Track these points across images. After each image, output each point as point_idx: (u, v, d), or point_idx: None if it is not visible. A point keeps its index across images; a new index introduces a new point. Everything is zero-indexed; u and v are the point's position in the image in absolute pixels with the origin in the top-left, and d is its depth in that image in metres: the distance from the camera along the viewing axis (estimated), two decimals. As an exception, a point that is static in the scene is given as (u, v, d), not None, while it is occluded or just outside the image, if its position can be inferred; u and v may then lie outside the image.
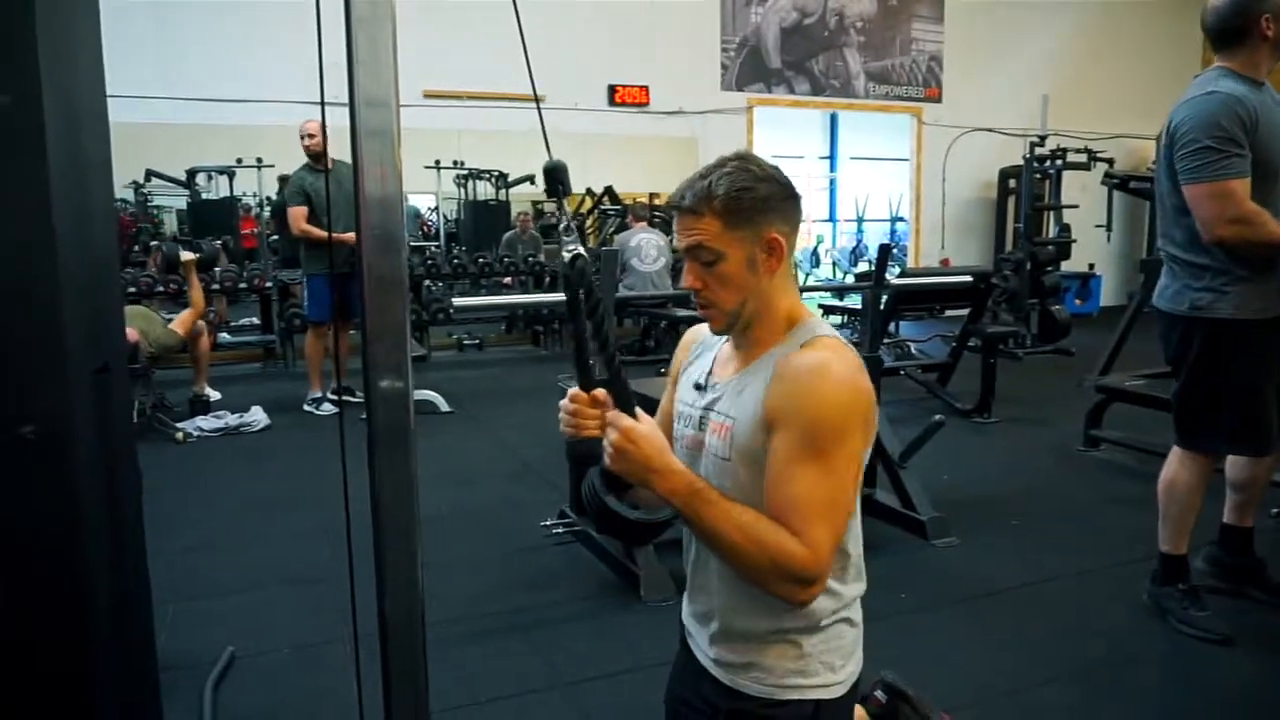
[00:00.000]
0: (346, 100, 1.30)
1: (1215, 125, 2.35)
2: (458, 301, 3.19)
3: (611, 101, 8.78)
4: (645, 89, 8.92)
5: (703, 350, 1.34)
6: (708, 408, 1.24)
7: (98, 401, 1.26)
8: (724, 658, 1.23)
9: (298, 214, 5.53)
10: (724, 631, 1.22)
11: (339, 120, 1.37)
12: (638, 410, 1.13)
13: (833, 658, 1.20)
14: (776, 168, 1.20)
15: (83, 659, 1.10)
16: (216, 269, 7.14)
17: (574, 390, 1.20)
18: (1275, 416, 2.54)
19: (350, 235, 5.17)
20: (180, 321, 5.47)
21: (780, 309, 1.21)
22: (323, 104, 1.35)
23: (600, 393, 1.19)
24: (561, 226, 1.20)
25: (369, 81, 1.27)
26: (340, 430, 1.42)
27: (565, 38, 8.01)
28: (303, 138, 5.56)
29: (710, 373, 1.28)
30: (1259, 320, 2.46)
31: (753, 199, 1.15)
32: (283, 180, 7.37)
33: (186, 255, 5.79)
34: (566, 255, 1.18)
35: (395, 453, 1.31)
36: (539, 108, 1.28)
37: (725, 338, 1.27)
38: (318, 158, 5.56)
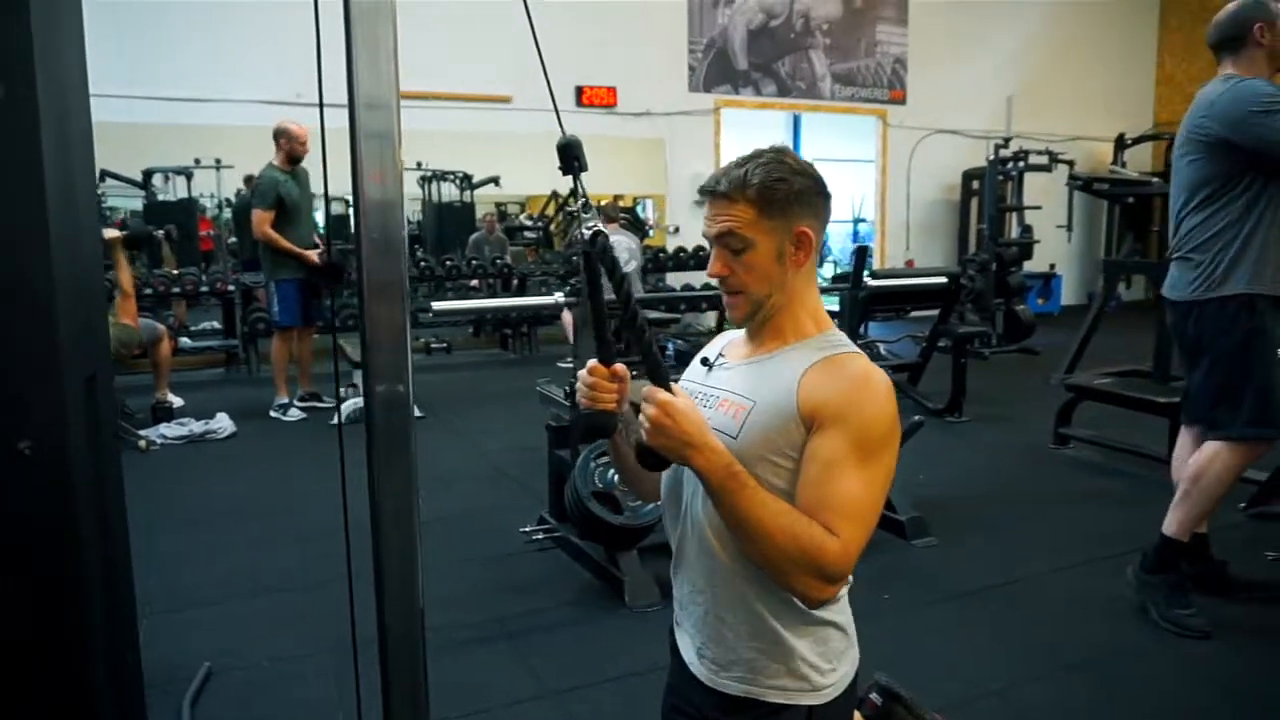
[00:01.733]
0: (321, 101, 1.28)
1: (1264, 92, 2.48)
2: (437, 305, 3.13)
3: (579, 102, 8.75)
4: (613, 90, 8.90)
5: (717, 340, 1.36)
6: (715, 385, 1.24)
7: (88, 412, 1.21)
8: (707, 652, 1.22)
9: (263, 217, 5.37)
10: (712, 614, 1.21)
11: (311, 120, 1.34)
12: (673, 386, 1.12)
13: (821, 661, 1.19)
14: (810, 164, 1.21)
15: (85, 679, 1.05)
16: (175, 270, 7.00)
17: (593, 363, 1.19)
18: None
19: (311, 253, 5.13)
20: (123, 312, 5.10)
21: (806, 305, 1.22)
22: (321, 105, 1.31)
23: (620, 367, 1.19)
24: (579, 204, 1.19)
25: (369, 82, 1.24)
26: (339, 438, 1.38)
27: (529, 39, 7.94)
28: (286, 139, 5.41)
29: (721, 354, 1.29)
30: (1270, 296, 2.56)
31: (787, 191, 1.15)
32: (249, 180, 7.21)
33: (110, 233, 5.08)
34: (586, 232, 1.18)
35: (395, 458, 1.28)
36: (551, 91, 1.27)
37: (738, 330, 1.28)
38: (295, 161, 5.47)
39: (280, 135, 5.45)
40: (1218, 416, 2.67)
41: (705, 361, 1.30)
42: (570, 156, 1.24)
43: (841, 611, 1.22)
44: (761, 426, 1.14)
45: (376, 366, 1.26)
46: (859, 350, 1.18)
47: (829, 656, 1.20)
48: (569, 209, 9.80)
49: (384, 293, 1.25)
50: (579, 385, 1.21)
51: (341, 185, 1.22)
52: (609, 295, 1.23)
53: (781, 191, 1.15)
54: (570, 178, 1.26)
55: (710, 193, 1.18)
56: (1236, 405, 2.61)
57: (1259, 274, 2.56)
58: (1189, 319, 2.70)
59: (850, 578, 1.22)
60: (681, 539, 1.25)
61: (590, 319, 1.25)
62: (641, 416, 1.09)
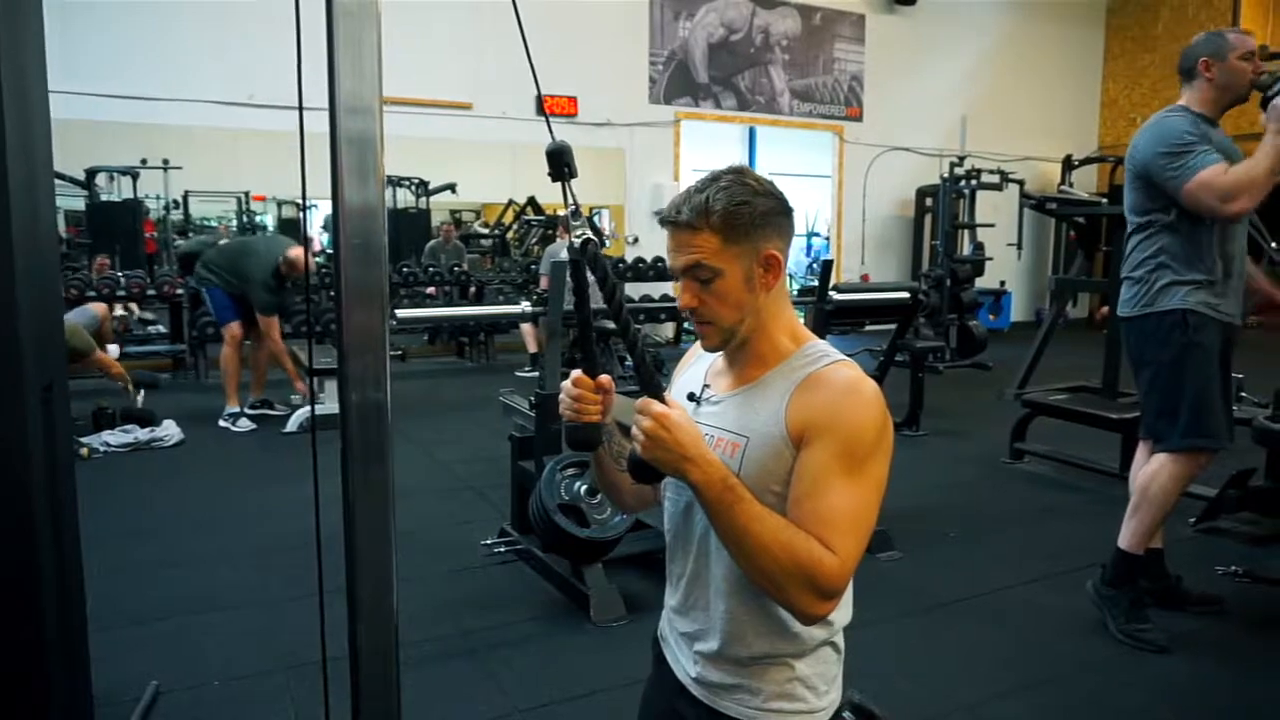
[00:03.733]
0: (301, 105, 1.23)
1: (1174, 134, 2.58)
2: (401, 313, 3.04)
3: (539, 111, 8.70)
4: (574, 100, 8.87)
5: (695, 360, 1.31)
6: (707, 423, 1.20)
7: (46, 422, 1.14)
8: (708, 677, 1.20)
9: (271, 323, 5.65)
10: (719, 653, 1.18)
11: (268, 121, 1.29)
12: (668, 397, 1.08)
13: (818, 682, 1.18)
14: (771, 182, 1.17)
15: (40, 686, 0.98)
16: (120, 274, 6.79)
17: (577, 374, 1.16)
18: (1226, 413, 2.69)
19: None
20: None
21: (780, 325, 1.18)
22: (300, 108, 1.26)
23: (605, 379, 1.16)
24: (569, 211, 1.15)
25: (351, 86, 1.19)
26: (313, 450, 1.33)
27: (493, 46, 7.91)
28: (288, 266, 5.55)
29: (705, 385, 1.25)
30: (1205, 314, 2.63)
31: (751, 214, 1.11)
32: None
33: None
34: (576, 240, 1.14)
35: (372, 470, 1.23)
36: (540, 99, 1.24)
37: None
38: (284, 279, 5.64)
39: (284, 263, 5.57)
40: (1160, 428, 2.75)
41: (692, 397, 1.25)
42: (560, 163, 1.21)
43: (838, 632, 1.20)
44: (759, 460, 1.12)
45: (354, 375, 1.21)
46: (844, 358, 1.16)
47: (826, 678, 1.18)
48: (527, 218, 9.74)
49: (363, 300, 1.21)
50: (563, 397, 1.17)
51: (320, 189, 1.17)
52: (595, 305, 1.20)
53: (745, 215, 1.11)
54: (554, 183, 1.23)
55: (672, 223, 1.14)
56: (1174, 417, 2.69)
57: (1166, 290, 2.66)
58: (1131, 334, 2.80)
59: (850, 610, 1.20)
60: (695, 572, 1.21)
61: (576, 329, 1.22)
62: (635, 429, 1.06)
